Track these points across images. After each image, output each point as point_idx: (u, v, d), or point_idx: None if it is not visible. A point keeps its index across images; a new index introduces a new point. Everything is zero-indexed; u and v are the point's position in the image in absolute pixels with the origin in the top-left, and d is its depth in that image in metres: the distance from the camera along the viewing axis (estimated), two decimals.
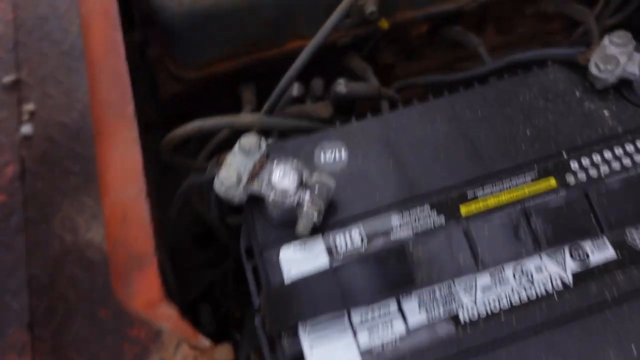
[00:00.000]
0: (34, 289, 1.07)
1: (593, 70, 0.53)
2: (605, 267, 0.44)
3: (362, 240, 0.48)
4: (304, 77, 0.75)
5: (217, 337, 0.51)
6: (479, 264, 0.40)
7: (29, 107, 1.22)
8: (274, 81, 0.90)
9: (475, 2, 0.88)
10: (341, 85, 0.79)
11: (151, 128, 0.99)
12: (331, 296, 0.41)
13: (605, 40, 0.54)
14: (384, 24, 0.83)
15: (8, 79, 1.24)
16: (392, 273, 0.40)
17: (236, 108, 0.90)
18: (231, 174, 0.47)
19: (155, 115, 0.95)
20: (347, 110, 0.84)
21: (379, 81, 0.85)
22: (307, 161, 0.53)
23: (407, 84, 0.83)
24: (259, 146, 0.49)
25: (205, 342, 0.50)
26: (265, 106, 0.71)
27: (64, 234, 1.12)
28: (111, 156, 0.49)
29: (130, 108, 0.51)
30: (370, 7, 0.77)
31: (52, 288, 1.09)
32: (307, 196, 0.47)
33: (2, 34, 1.32)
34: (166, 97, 0.88)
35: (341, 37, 0.84)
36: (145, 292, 0.45)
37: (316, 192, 0.47)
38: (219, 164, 0.50)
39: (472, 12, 0.90)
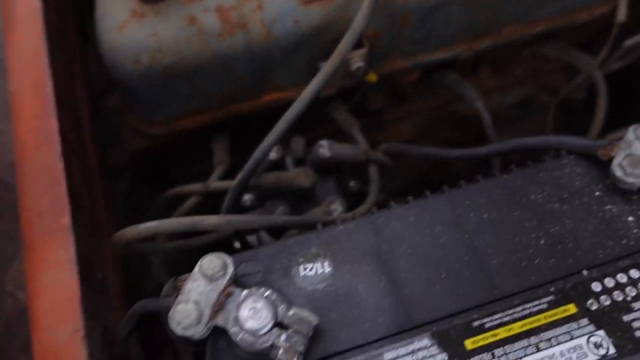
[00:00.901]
0: None
1: (617, 172, 0.46)
2: None
3: None
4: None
5: None
6: None
7: None
8: (250, 133, 0.81)
9: (470, 50, 0.80)
10: (324, 148, 0.71)
11: (116, 173, 0.89)
12: None
13: (631, 135, 0.47)
14: (373, 77, 0.75)
15: None
16: None
17: (209, 160, 0.81)
18: (189, 310, 0.39)
19: (121, 160, 0.86)
20: (330, 170, 0.76)
21: (365, 137, 0.77)
22: (285, 275, 0.45)
23: (396, 149, 0.75)
24: (225, 270, 0.41)
25: None
26: (237, 180, 0.62)
27: (18, 291, 1.01)
28: (41, 283, 0.40)
29: (65, 218, 0.42)
30: (357, 63, 0.69)
31: (5, 353, 0.98)
32: (282, 338, 0.38)
33: None
34: (132, 152, 0.79)
35: (326, 89, 0.75)
36: None
37: (295, 332, 0.39)
38: (175, 290, 0.41)
39: (467, 58, 0.82)
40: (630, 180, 0.45)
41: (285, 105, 0.63)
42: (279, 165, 0.74)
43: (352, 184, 0.76)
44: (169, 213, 0.75)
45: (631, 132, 0.47)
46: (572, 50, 0.85)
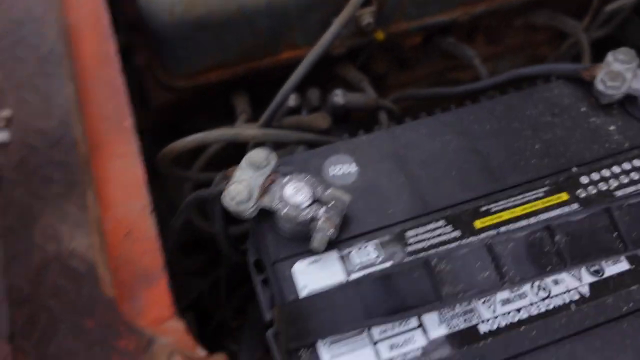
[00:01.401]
0: (15, 299, 1.01)
1: (599, 86, 0.54)
2: (621, 279, 0.44)
3: (378, 254, 0.47)
4: (299, 86, 0.73)
5: (210, 347, 0.49)
6: (505, 281, 0.40)
7: (5, 113, 1.17)
8: (268, 90, 0.88)
9: (467, 14, 0.89)
10: (338, 96, 0.78)
11: (140, 135, 0.95)
12: (353, 312, 0.39)
13: (610, 57, 0.55)
14: (380, 35, 0.83)
15: None
16: (417, 289, 0.39)
17: (228, 116, 0.88)
18: (241, 189, 0.45)
19: (144, 121, 0.92)
20: (343, 119, 0.83)
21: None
22: (317, 174, 0.52)
23: (405, 95, 0.83)
24: (269, 161, 0.47)
25: (200, 352, 0.48)
26: (263, 118, 0.69)
27: (46, 243, 1.07)
28: (111, 171, 0.47)
29: (128, 121, 0.49)
30: (367, 19, 0.77)
31: (34, 298, 1.04)
32: (321, 211, 0.45)
33: None
34: (155, 106, 0.85)
35: (337, 48, 0.83)
36: (154, 309, 0.42)
37: (331, 207, 0.45)
38: (225, 179, 0.48)
39: (463, 23, 0.91)
40: (610, 92, 0.53)
41: (301, 62, 0.70)
42: (297, 112, 0.81)
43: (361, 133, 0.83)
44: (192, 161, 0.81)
45: (610, 55, 0.55)
46: (559, 16, 0.94)
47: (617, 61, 0.55)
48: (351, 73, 0.87)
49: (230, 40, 0.77)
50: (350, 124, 0.82)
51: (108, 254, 0.45)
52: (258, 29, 0.76)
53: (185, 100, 0.85)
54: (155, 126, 0.92)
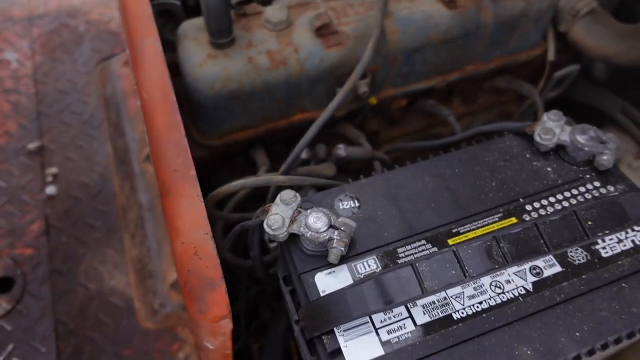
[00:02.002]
0: (61, 333, 1.17)
1: (537, 139, 0.72)
2: (555, 278, 0.61)
3: (376, 265, 0.63)
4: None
5: None
6: (466, 276, 0.56)
7: (52, 170, 1.36)
8: (279, 146, 1.08)
9: (443, 81, 1.09)
10: (341, 150, 0.97)
11: None
12: (360, 304, 0.55)
13: (544, 117, 0.74)
14: (373, 100, 1.03)
15: (32, 145, 1.39)
16: (406, 283, 0.55)
17: (245, 170, 1.06)
18: (277, 219, 0.62)
19: None
20: (345, 169, 1.01)
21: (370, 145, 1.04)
22: (329, 209, 0.69)
23: (395, 148, 1.02)
24: (295, 198, 0.65)
25: None
26: (283, 167, 0.87)
27: (89, 282, 1.23)
28: (180, 207, 0.64)
29: (192, 172, 0.66)
30: (363, 88, 0.97)
31: (79, 332, 1.19)
32: (335, 234, 0.62)
33: (26, 105, 1.48)
34: None
35: (339, 111, 1.03)
36: (215, 309, 0.58)
37: (342, 231, 0.62)
38: (264, 212, 0.65)
39: (441, 88, 1.11)
40: (544, 143, 0.72)
41: (309, 123, 0.89)
42: (307, 163, 1.00)
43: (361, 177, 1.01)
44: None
45: (544, 115, 0.74)
46: (518, 81, 1.15)
47: (550, 120, 0.74)
48: (350, 131, 1.06)
49: (255, 107, 0.96)
50: (351, 172, 1.00)
51: (180, 269, 0.61)
52: (277, 98, 0.96)
53: (214, 156, 1.03)
54: None
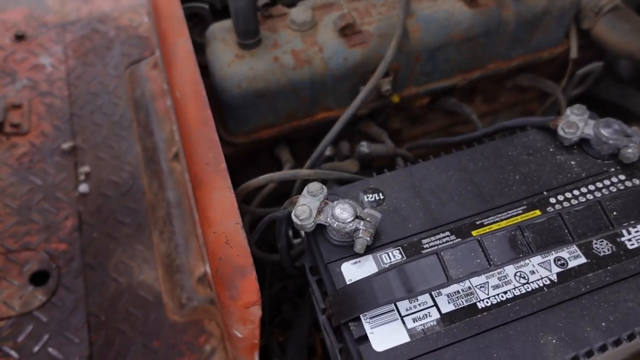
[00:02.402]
0: (93, 325, 1.21)
1: (560, 132, 0.73)
2: (580, 269, 0.61)
3: (402, 256, 0.65)
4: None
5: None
6: (491, 264, 0.57)
7: (85, 169, 1.41)
8: (303, 144, 1.10)
9: (465, 79, 1.10)
10: (364, 147, 0.99)
11: None
12: (386, 291, 0.57)
13: (568, 111, 0.74)
14: (396, 98, 1.04)
15: (66, 145, 1.45)
16: (430, 272, 0.56)
17: (269, 167, 1.09)
18: (305, 209, 0.65)
19: None
20: (368, 165, 1.03)
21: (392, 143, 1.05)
22: (354, 201, 0.71)
23: (417, 145, 1.03)
24: (322, 190, 0.67)
25: None
26: (308, 163, 0.89)
27: (119, 276, 1.27)
28: (212, 199, 0.66)
29: (223, 165, 0.69)
30: (386, 86, 0.99)
31: (110, 324, 1.23)
32: (361, 224, 0.64)
33: (59, 107, 1.54)
34: None
35: (361, 110, 1.05)
36: (245, 295, 0.60)
37: (368, 222, 0.64)
38: (292, 203, 0.67)
39: (463, 87, 1.12)
40: (568, 136, 0.72)
41: (332, 121, 0.91)
42: (331, 160, 1.02)
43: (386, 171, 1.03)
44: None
45: (568, 110, 0.75)
46: (541, 79, 1.15)
47: (573, 114, 0.74)
48: (373, 129, 1.08)
49: (280, 106, 0.99)
50: (374, 169, 1.02)
51: (211, 257, 0.63)
52: (302, 97, 0.98)
53: (241, 153, 1.06)
54: None
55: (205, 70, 0.97)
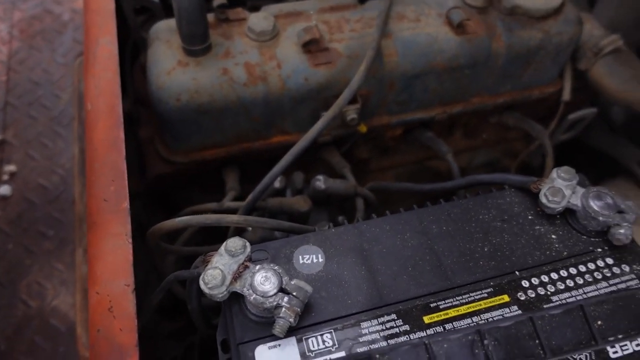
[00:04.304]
0: None
1: (543, 199, 0.61)
2: None
3: (333, 343, 0.51)
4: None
5: None
6: None
7: (10, 167, 1.25)
8: (258, 167, 0.96)
9: (445, 113, 0.98)
10: (320, 182, 0.86)
11: (133, 198, 1.02)
12: None
13: (554, 174, 0.62)
14: (363, 128, 0.91)
15: None
16: None
17: (219, 189, 0.95)
18: (216, 274, 0.51)
19: (138, 186, 0.99)
20: (323, 202, 0.90)
21: (354, 178, 0.93)
22: (287, 262, 0.57)
23: (380, 186, 0.90)
24: (244, 249, 0.54)
25: None
26: (249, 199, 0.76)
27: (30, 299, 1.11)
28: (103, 248, 0.52)
29: (125, 204, 0.55)
30: (352, 115, 0.86)
31: (10, 355, 1.06)
32: (285, 300, 0.51)
33: None
34: (153, 176, 0.93)
35: (323, 136, 0.91)
36: None
37: (294, 297, 0.51)
38: (204, 263, 0.54)
39: (442, 120, 1.00)
40: (551, 205, 0.60)
41: (289, 146, 0.78)
42: (281, 194, 0.88)
43: (340, 219, 0.90)
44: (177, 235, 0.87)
45: (554, 172, 0.63)
46: (527, 120, 1.03)
47: (560, 178, 0.62)
48: (335, 159, 0.95)
49: (228, 125, 0.85)
50: (329, 210, 0.89)
51: (90, 326, 0.49)
52: (254, 117, 0.85)
53: (181, 173, 0.92)
54: (149, 192, 0.99)
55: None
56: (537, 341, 0.46)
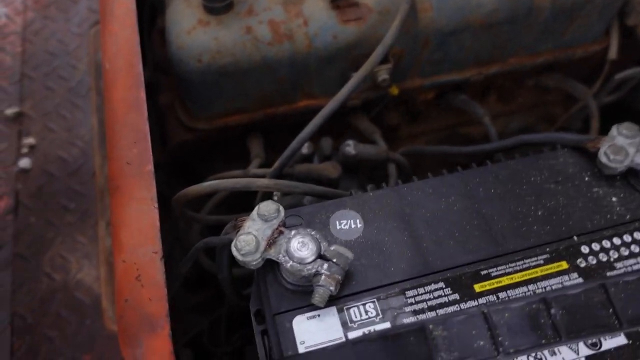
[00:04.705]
0: (17, 328, 1.03)
1: (603, 158, 0.55)
2: (618, 354, 0.45)
3: (377, 313, 0.48)
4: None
5: None
6: (499, 351, 0.40)
7: (29, 140, 1.22)
8: (282, 135, 0.91)
9: (480, 74, 0.92)
10: (350, 147, 0.81)
11: (155, 169, 0.99)
12: None
13: (614, 131, 0.57)
14: (395, 90, 0.86)
15: (10, 111, 1.25)
16: (412, 354, 0.40)
17: (243, 158, 0.91)
18: (249, 240, 0.47)
19: (161, 156, 0.95)
20: (353, 169, 0.85)
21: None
22: (323, 228, 0.53)
23: (414, 150, 0.85)
24: (278, 213, 0.49)
25: None
26: (276, 165, 0.72)
27: (54, 272, 1.10)
28: (127, 214, 0.49)
29: (149, 167, 0.51)
30: (383, 75, 0.80)
31: (36, 328, 1.05)
32: (324, 267, 0.47)
33: (9, 66, 1.34)
34: (174, 144, 0.89)
35: (352, 100, 0.86)
36: (153, 357, 0.43)
37: (334, 264, 0.47)
38: (235, 228, 0.50)
39: (477, 82, 0.93)
40: (612, 165, 0.55)
41: (316, 111, 0.73)
42: (309, 160, 0.84)
43: (369, 187, 0.85)
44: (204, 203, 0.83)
45: (614, 129, 0.57)
46: (570, 80, 0.96)
47: (621, 135, 0.56)
48: (364, 124, 0.89)
49: (252, 88, 0.80)
50: (359, 173, 0.84)
51: (117, 297, 0.46)
52: (279, 78, 0.80)
53: (203, 140, 0.88)
54: (171, 162, 0.95)
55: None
56: (610, 310, 0.41)
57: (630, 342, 0.46)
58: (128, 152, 0.52)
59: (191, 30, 0.74)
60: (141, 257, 0.47)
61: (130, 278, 0.46)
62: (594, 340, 0.45)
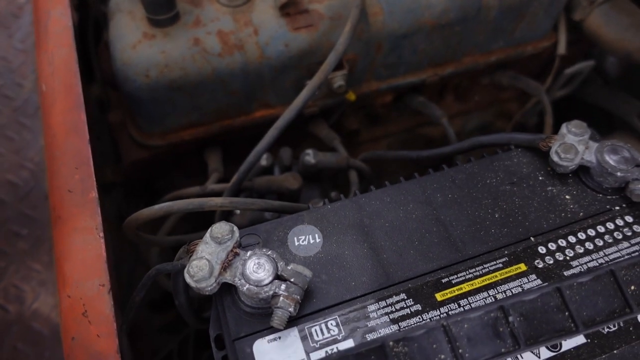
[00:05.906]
0: None
1: (554, 157, 0.56)
2: (577, 353, 0.45)
3: (339, 330, 0.46)
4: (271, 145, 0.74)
5: None
6: None
7: None
8: (241, 146, 0.90)
9: (436, 75, 0.92)
10: (310, 156, 0.80)
11: (110, 189, 0.95)
12: None
13: (564, 129, 0.57)
14: (352, 96, 0.85)
15: None
16: None
17: (202, 172, 0.88)
18: (202, 265, 0.45)
19: (116, 176, 0.92)
20: (314, 178, 0.84)
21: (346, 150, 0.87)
22: (281, 245, 0.52)
23: (374, 155, 0.85)
24: (232, 234, 0.48)
25: None
26: (234, 179, 0.70)
27: (8, 303, 1.04)
28: (71, 246, 0.46)
29: (92, 194, 0.48)
30: (339, 82, 0.79)
31: None
32: (282, 288, 0.45)
33: None
34: (129, 163, 0.86)
35: (309, 108, 0.85)
36: None
37: (292, 284, 0.46)
38: (188, 253, 0.48)
39: (433, 83, 0.94)
40: (564, 163, 0.55)
41: (273, 121, 0.72)
42: (268, 171, 0.82)
43: (333, 194, 0.84)
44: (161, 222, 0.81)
45: (564, 127, 0.58)
46: (522, 77, 0.98)
47: (570, 133, 0.57)
48: (324, 132, 0.89)
49: (205, 101, 0.78)
50: (322, 182, 0.83)
51: (64, 334, 0.44)
52: (232, 90, 0.78)
53: (159, 157, 0.85)
54: (128, 181, 0.92)
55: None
56: (566, 313, 0.41)
57: (589, 340, 0.46)
58: (70, 180, 0.50)
59: (136, 45, 0.71)
60: (87, 291, 0.44)
61: (77, 314, 0.43)
62: (554, 342, 0.45)
